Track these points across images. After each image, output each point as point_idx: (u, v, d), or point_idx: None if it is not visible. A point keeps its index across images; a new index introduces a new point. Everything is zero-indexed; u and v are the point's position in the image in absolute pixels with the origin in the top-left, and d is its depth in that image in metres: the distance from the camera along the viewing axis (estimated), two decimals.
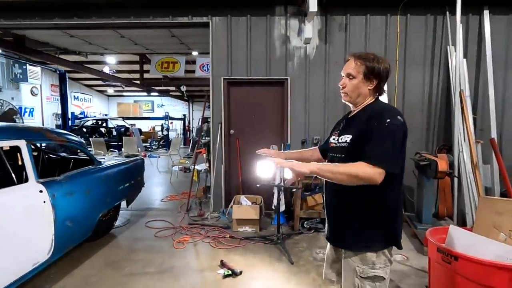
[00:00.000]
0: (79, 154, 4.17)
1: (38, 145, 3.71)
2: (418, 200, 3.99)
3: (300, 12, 4.44)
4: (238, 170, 4.73)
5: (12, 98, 10.99)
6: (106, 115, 17.77)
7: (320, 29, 4.50)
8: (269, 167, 2.25)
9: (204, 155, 4.89)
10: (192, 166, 5.07)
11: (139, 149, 11.26)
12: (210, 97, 4.65)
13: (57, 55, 8.39)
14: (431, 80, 4.49)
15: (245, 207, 3.94)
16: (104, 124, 14.22)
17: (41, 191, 2.50)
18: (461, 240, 1.91)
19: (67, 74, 10.99)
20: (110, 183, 3.59)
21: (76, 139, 3.56)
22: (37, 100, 12.45)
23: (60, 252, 2.78)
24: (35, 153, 3.39)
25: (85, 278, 2.83)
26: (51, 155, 3.87)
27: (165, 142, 14.69)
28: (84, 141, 3.80)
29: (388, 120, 1.31)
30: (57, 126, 11.94)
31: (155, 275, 2.89)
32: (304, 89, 4.56)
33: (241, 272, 2.88)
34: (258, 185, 3.45)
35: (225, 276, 2.82)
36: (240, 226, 3.94)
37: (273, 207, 4.09)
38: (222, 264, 3.01)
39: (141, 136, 14.59)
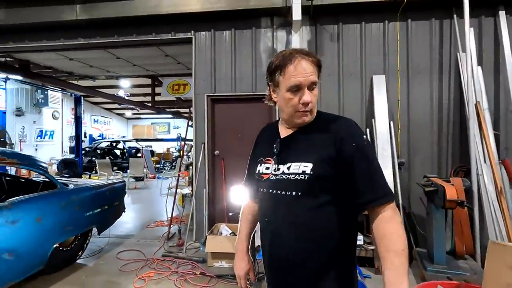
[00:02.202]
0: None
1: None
2: (429, 233, 3.30)
3: (287, 23, 4.11)
4: (222, 195, 4.29)
5: (34, 122, 11.59)
6: (124, 137, 18.22)
7: (309, 40, 4.13)
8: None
9: (187, 177, 4.52)
10: (188, 189, 4.71)
11: (146, 170, 11.21)
12: (193, 116, 4.36)
13: (76, 80, 8.76)
14: (440, 92, 3.89)
15: (220, 239, 3.46)
16: (118, 146, 14.48)
17: None
18: None
19: (85, 98, 11.43)
20: (73, 209, 3.28)
21: (39, 162, 3.35)
22: (58, 123, 13.00)
23: None
24: None
25: None
26: (20, 179, 3.68)
27: None
28: (46, 165, 3.55)
29: (364, 137, 1.07)
30: (71, 148, 12.30)
31: None
32: None
33: None
34: (230, 214, 2.99)
35: None
36: (216, 260, 3.43)
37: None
38: None
39: (154, 157, 14.63)
